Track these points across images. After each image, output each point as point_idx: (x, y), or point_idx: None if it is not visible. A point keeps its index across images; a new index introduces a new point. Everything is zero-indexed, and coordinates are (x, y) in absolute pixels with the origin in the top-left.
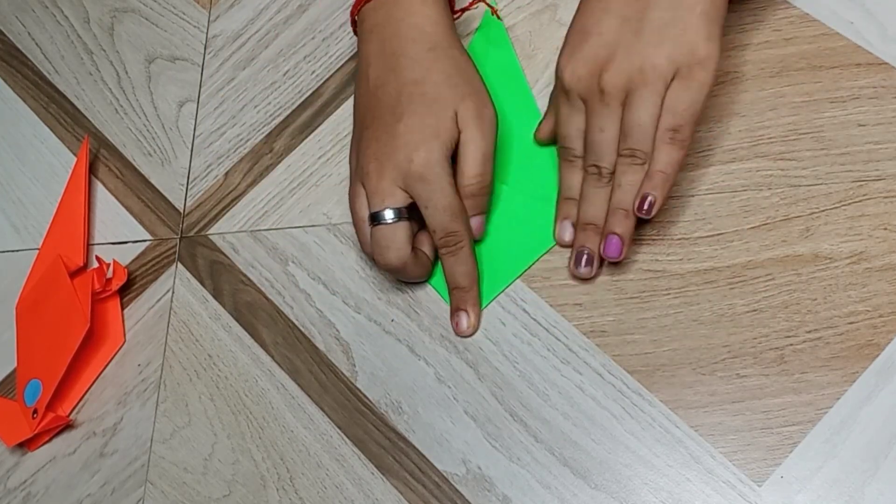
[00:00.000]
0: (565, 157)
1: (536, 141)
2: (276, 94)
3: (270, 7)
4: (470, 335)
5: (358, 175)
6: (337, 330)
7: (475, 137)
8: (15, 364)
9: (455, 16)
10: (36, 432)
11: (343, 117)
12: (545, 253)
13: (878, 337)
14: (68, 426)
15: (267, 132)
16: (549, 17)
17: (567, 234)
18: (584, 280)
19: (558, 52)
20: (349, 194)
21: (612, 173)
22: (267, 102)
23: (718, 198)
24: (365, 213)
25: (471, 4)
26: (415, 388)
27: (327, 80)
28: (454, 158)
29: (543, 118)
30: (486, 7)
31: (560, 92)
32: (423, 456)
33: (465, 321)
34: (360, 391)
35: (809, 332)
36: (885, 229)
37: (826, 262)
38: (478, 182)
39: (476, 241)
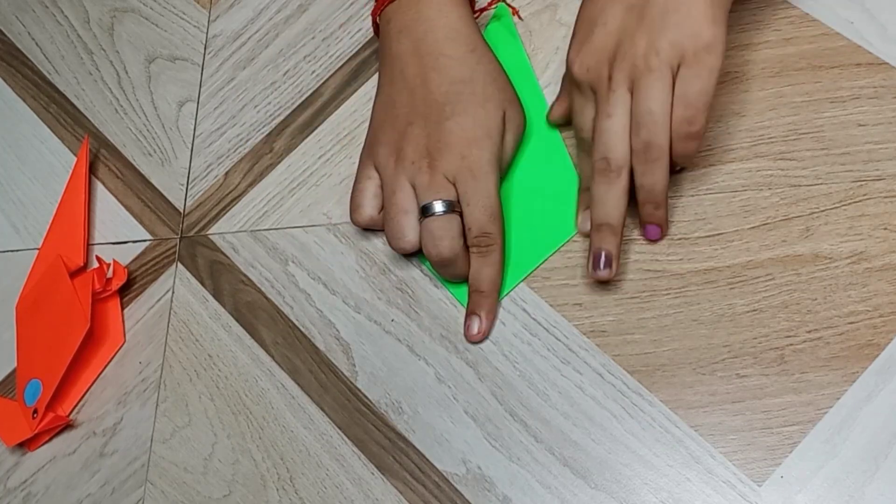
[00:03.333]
0: (583, 148)
1: (549, 123)
2: (276, 94)
3: (270, 7)
4: (479, 341)
5: (400, 169)
6: (337, 330)
7: (508, 144)
8: (15, 364)
9: (476, 14)
10: (36, 432)
11: (343, 117)
12: (557, 250)
13: (878, 337)
14: (68, 426)
15: (267, 132)
16: (549, 17)
17: (589, 224)
18: (604, 282)
19: (558, 51)
20: (387, 190)
21: (623, 168)
22: (267, 102)
23: (718, 198)
24: (411, 206)
25: (489, 5)
26: (415, 388)
27: (327, 79)
28: None
29: (556, 100)
30: (506, 6)
31: (572, 85)
32: (423, 456)
33: (476, 326)
34: (360, 391)
35: (809, 332)
36: (885, 229)
37: (826, 262)
38: None
39: None
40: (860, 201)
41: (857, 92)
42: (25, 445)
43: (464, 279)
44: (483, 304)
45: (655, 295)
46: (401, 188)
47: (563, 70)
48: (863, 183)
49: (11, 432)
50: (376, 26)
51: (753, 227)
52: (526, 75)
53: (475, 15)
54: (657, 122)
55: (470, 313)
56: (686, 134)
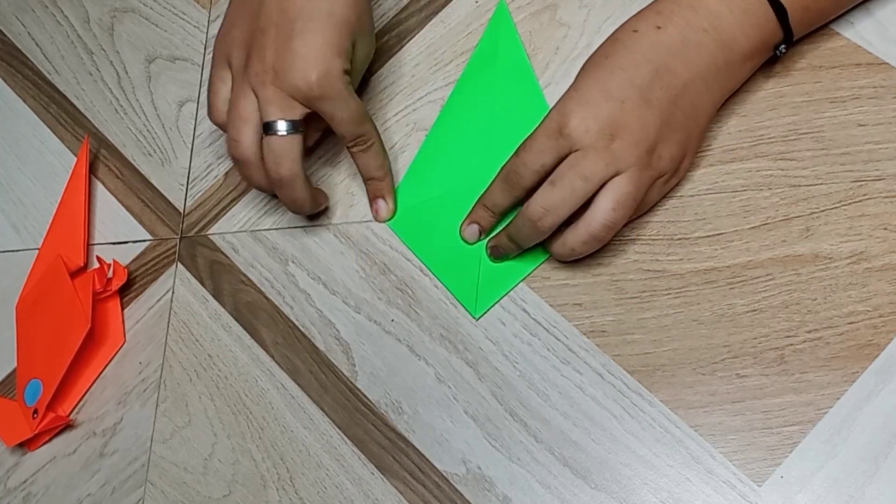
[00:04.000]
0: (508, 177)
1: None
2: None
3: None
4: (387, 219)
5: (247, 77)
6: (337, 330)
7: (358, 65)
8: (15, 364)
9: None
10: (36, 432)
11: None
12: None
13: (878, 337)
14: (68, 426)
15: None
16: (549, 17)
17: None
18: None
19: (558, 51)
20: (233, 94)
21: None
22: None
23: (718, 198)
24: (252, 116)
25: None
26: (415, 388)
27: None
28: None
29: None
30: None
31: (553, 128)
32: (423, 456)
33: (383, 207)
34: (360, 391)
35: (809, 332)
36: (885, 229)
37: (826, 262)
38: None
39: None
40: (860, 201)
41: (857, 92)
42: (25, 445)
43: (302, 205)
44: (381, 187)
45: (655, 295)
46: (244, 95)
47: (563, 70)
48: (863, 183)
49: (11, 432)
50: None
51: (753, 227)
52: (525, 75)
53: None
54: (630, 206)
55: (373, 198)
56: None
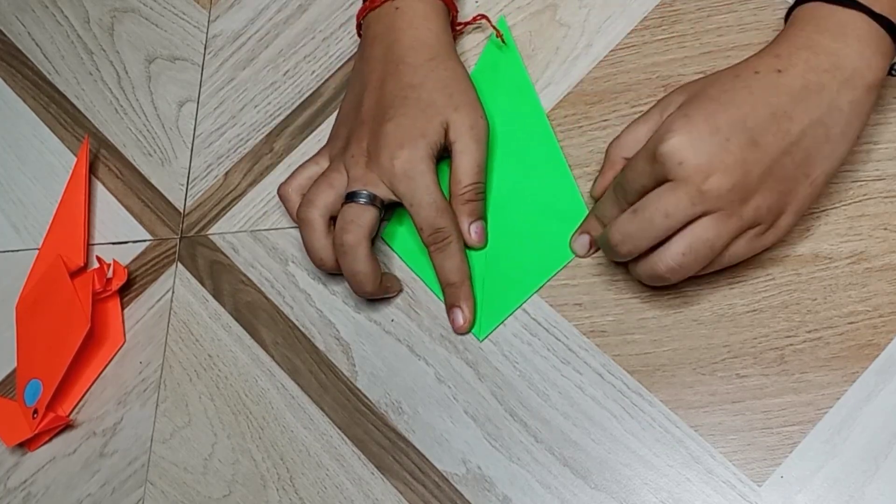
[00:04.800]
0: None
1: (593, 196)
2: (276, 94)
3: (270, 7)
4: (467, 331)
5: (342, 158)
6: (337, 330)
7: (469, 147)
8: (15, 364)
9: (458, 28)
10: (36, 432)
11: None
12: (560, 270)
13: (878, 337)
14: (68, 426)
15: (267, 132)
16: (549, 16)
17: (581, 248)
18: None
19: (558, 51)
20: (328, 169)
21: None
22: (267, 102)
23: None
24: (338, 184)
25: (473, 19)
26: (415, 388)
27: (327, 79)
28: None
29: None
30: (492, 28)
31: (651, 150)
32: (423, 456)
33: (460, 317)
34: (360, 391)
35: (809, 332)
36: (885, 229)
37: (826, 262)
38: (472, 189)
39: (478, 247)
40: (860, 201)
41: None
42: (25, 445)
43: (363, 281)
44: (459, 294)
45: (655, 295)
46: (337, 170)
47: (563, 70)
48: (863, 183)
49: (11, 432)
50: (359, 26)
51: None
52: (528, 98)
53: (459, 27)
54: (713, 252)
55: (450, 307)
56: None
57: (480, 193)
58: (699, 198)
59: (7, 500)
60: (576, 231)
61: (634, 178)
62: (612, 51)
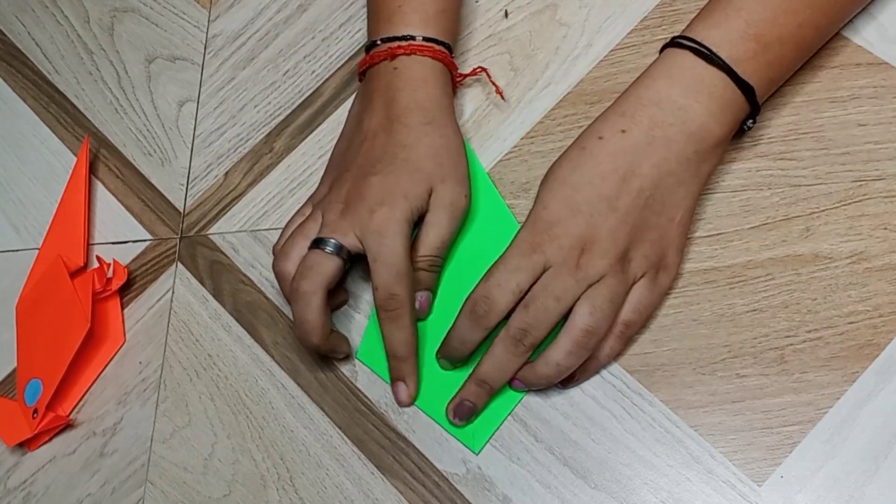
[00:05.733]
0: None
1: None
2: (276, 94)
3: (270, 7)
4: (409, 405)
5: (321, 204)
6: (337, 330)
7: (441, 221)
8: (15, 364)
9: (457, 81)
10: (36, 432)
11: (343, 117)
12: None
13: (878, 337)
14: (68, 426)
15: (267, 132)
16: (549, 16)
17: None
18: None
19: (557, 51)
20: (307, 217)
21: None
22: (267, 102)
23: (718, 198)
24: (311, 233)
25: (473, 72)
26: None
27: (327, 79)
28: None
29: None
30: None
31: (525, 247)
32: (423, 456)
33: (403, 392)
34: (360, 391)
35: (809, 332)
36: (885, 229)
37: (826, 262)
38: (429, 261)
39: (420, 318)
40: (860, 201)
41: (857, 92)
42: (25, 445)
43: (309, 331)
44: (404, 368)
45: None
46: (313, 218)
47: (563, 70)
48: (863, 183)
49: (11, 432)
50: (361, 76)
51: (753, 227)
52: (490, 195)
53: (459, 79)
54: (607, 319)
55: (394, 380)
56: (621, 333)
57: (435, 267)
58: (581, 275)
59: (7, 500)
60: (453, 399)
61: (508, 279)
62: (612, 50)
